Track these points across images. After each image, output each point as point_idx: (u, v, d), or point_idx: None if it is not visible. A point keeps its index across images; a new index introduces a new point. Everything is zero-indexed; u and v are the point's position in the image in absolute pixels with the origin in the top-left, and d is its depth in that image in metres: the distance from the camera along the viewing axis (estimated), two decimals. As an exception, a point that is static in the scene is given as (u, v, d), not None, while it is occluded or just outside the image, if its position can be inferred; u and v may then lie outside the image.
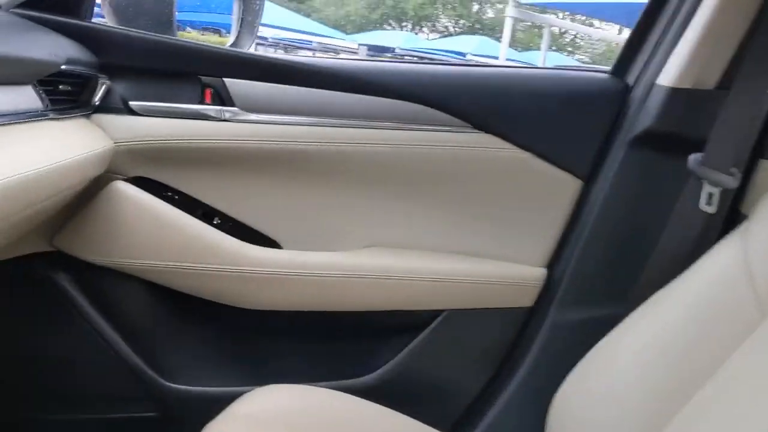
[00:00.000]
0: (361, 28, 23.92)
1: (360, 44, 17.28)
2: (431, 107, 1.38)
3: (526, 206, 1.43)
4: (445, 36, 25.97)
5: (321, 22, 20.10)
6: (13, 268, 1.31)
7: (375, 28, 24.47)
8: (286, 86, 1.36)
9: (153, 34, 1.33)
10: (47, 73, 1.09)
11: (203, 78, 1.34)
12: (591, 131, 1.40)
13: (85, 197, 1.30)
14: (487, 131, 1.40)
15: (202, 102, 1.34)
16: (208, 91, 1.34)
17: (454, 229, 1.45)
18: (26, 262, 1.33)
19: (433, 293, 1.41)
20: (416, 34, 25.94)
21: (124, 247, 1.32)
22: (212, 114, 1.33)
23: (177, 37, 1.39)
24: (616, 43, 13.91)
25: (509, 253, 1.44)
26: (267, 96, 1.36)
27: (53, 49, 1.12)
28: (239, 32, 1.64)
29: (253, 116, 1.35)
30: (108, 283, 1.37)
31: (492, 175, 1.42)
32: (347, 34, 20.75)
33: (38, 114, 1.04)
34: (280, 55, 1.90)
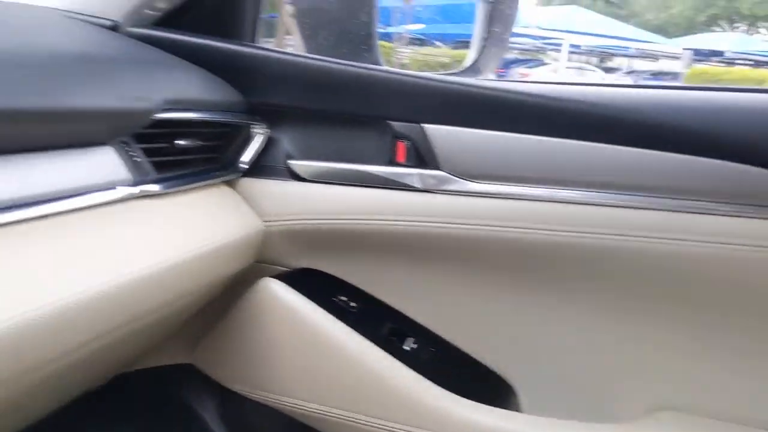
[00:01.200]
0: (685, 31, 21.68)
1: (684, 48, 15.53)
2: None
3: None
4: (791, 36, 22.43)
5: (640, 27, 18.68)
6: (142, 380, 0.96)
7: (701, 31, 22.00)
8: (528, 136, 0.81)
9: (323, 58, 0.87)
10: (134, 127, 0.70)
11: (394, 124, 0.85)
12: None
13: (228, 297, 0.90)
14: None
15: (392, 162, 0.85)
16: (401, 145, 0.85)
17: None
18: (159, 374, 0.97)
19: None
20: (751, 35, 22.84)
21: (273, 376, 0.89)
22: (408, 181, 0.84)
23: (375, 61, 0.92)
24: None
25: None
26: (495, 152, 0.82)
27: (149, 88, 0.72)
28: (482, 48, 1.13)
29: (473, 185, 0.83)
30: (255, 419, 0.95)
31: None
32: (669, 38, 18.91)
33: (119, 190, 0.66)
34: (520, 80, 1.29)
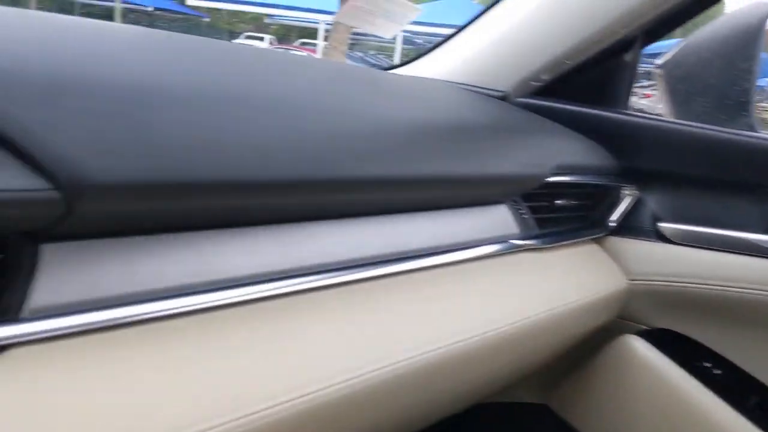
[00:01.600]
0: None
1: None
2: None
3: None
4: None
5: None
6: (498, 412, 1.05)
7: None
8: None
9: (696, 124, 0.89)
10: (526, 188, 0.79)
11: None
12: None
13: (588, 347, 0.95)
14: None
15: (769, 230, 0.84)
16: (784, 214, 0.83)
17: None
18: (514, 410, 1.05)
19: None
20: None
21: (628, 430, 0.91)
22: (788, 251, 0.81)
23: (750, 126, 0.91)
24: None
25: None
26: None
27: (542, 154, 0.81)
28: None
29: None
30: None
31: None
32: None
33: (508, 244, 0.76)
34: None
